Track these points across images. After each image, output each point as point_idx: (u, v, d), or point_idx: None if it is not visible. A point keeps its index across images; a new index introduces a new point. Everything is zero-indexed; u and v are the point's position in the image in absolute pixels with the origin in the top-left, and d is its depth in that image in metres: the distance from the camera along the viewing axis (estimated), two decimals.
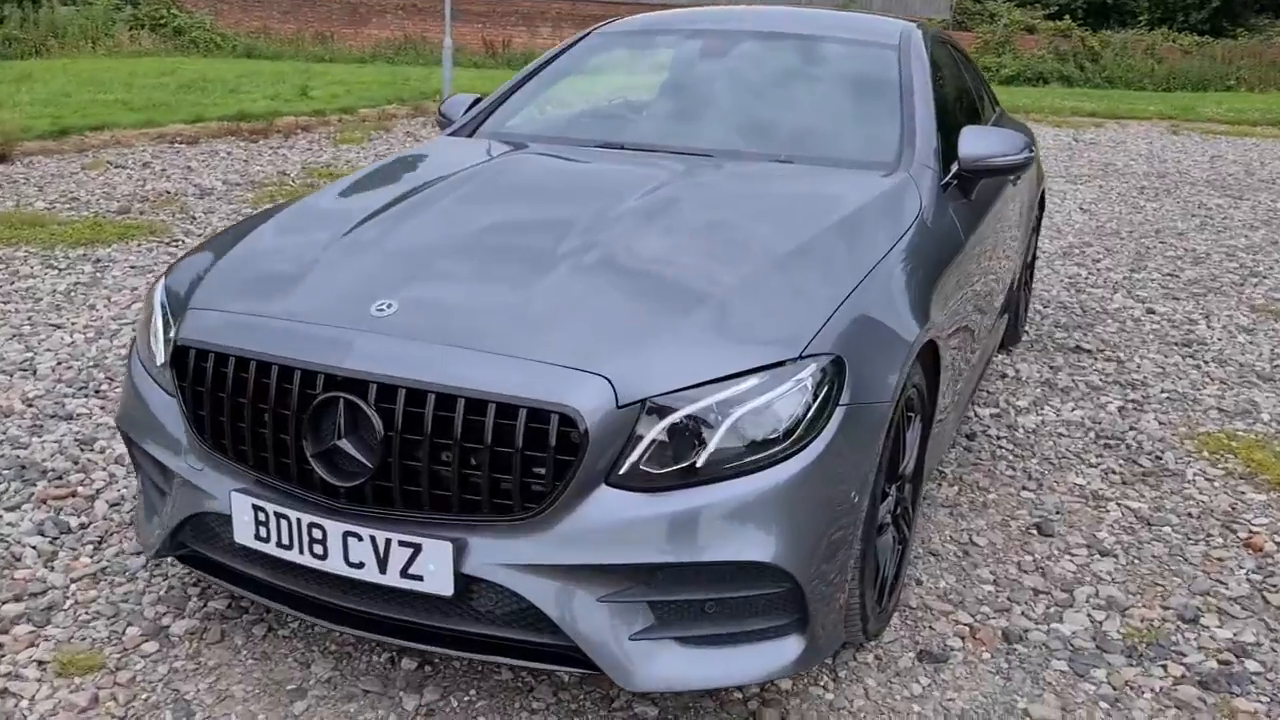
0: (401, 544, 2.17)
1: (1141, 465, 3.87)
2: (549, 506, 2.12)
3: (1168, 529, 3.41)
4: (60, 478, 3.42)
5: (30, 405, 3.94)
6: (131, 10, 27.57)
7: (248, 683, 2.49)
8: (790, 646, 2.25)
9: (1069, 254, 7.25)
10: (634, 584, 2.16)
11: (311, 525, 2.23)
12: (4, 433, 3.71)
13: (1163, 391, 4.64)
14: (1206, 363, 5.06)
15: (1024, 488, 3.65)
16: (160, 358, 2.54)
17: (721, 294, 2.39)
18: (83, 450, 3.59)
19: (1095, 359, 5.07)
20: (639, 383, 2.14)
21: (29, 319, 4.88)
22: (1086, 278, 6.63)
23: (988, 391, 4.57)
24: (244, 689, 2.47)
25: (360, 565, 2.21)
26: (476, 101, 3.96)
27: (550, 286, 2.38)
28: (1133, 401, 4.51)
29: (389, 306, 2.31)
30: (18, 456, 3.53)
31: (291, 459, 2.26)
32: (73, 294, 5.29)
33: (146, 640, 2.63)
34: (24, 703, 2.40)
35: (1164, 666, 2.67)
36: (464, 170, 3.18)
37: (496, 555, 2.16)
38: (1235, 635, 2.82)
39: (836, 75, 3.69)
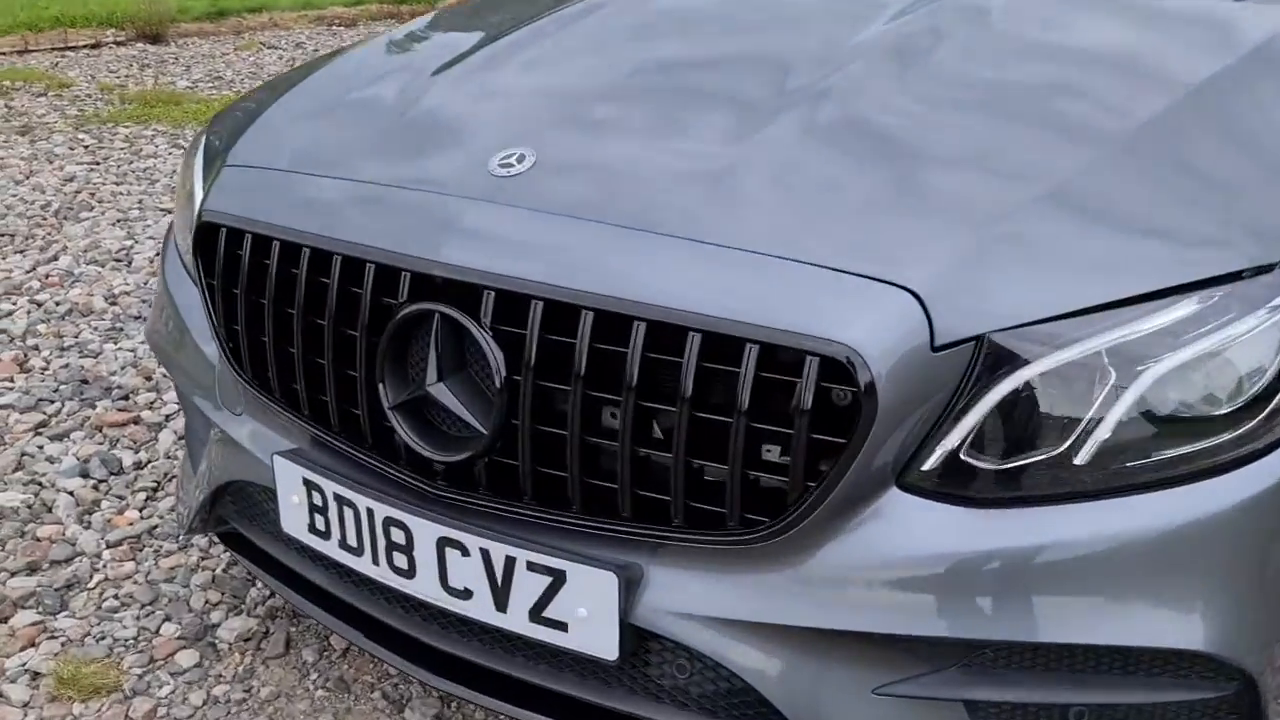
0: (532, 567, 1.26)
1: None
2: (796, 522, 1.16)
3: None
4: (126, 398, 2.67)
5: (114, 303, 3.22)
6: None
7: None
8: None
9: None
10: (941, 667, 1.20)
11: (389, 522, 1.35)
12: (75, 336, 3.00)
13: None
14: None
15: None
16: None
17: (1094, 163, 1.33)
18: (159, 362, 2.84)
19: None
20: (971, 305, 1.14)
21: (139, 202, 4.19)
22: None
23: None
24: None
25: (467, 594, 1.32)
26: None
27: (782, 143, 1.38)
28: None
29: (520, 160, 1.37)
30: (82, 368, 2.81)
31: (363, 410, 1.37)
32: None
33: (184, 647, 1.84)
34: None
35: None
36: None
37: (694, 600, 1.23)
38: None
39: None
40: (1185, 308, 1.15)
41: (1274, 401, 1.14)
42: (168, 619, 1.91)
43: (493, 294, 1.24)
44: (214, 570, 2.03)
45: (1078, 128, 1.42)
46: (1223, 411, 1.14)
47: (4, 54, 7.20)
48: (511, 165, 1.36)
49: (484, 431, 1.27)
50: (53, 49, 7.50)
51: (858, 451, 1.12)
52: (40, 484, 2.31)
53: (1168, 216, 1.27)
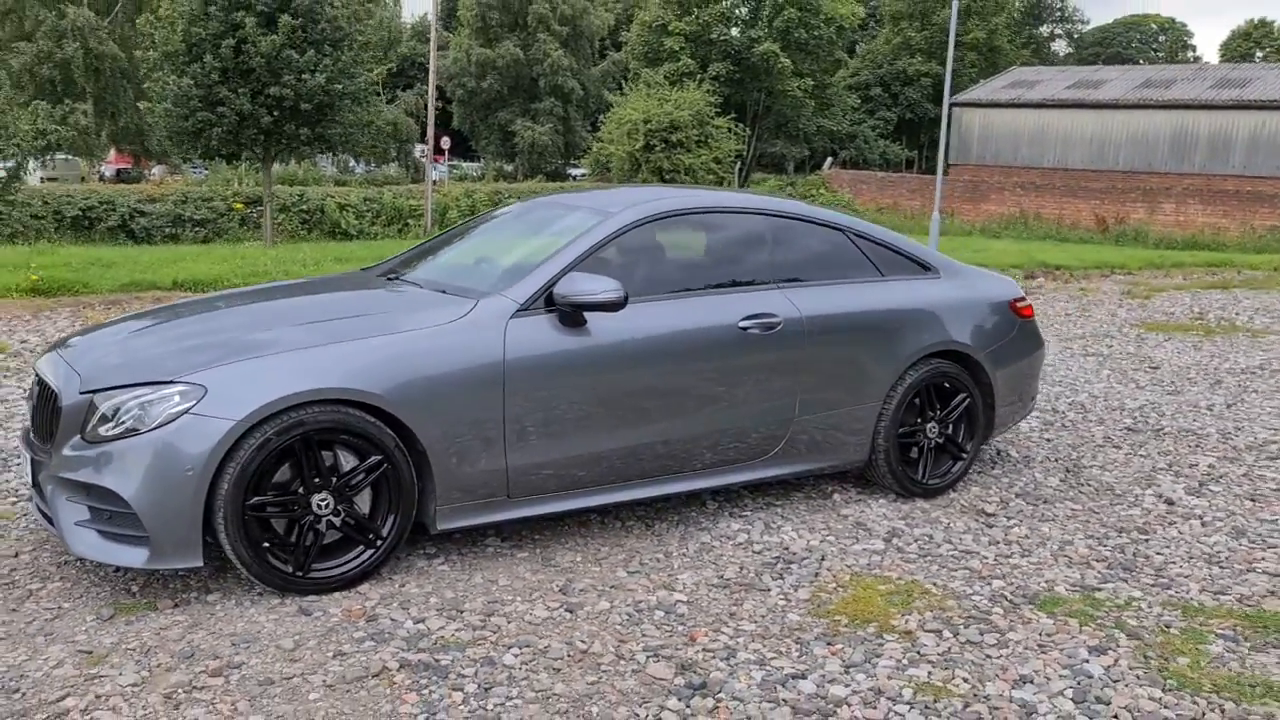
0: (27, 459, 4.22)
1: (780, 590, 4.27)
2: (53, 443, 4.01)
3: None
4: None
5: None
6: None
7: None
8: (141, 552, 3.81)
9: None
10: (78, 492, 3.93)
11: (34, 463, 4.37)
12: None
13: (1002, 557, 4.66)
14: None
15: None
16: None
17: (198, 346, 4.08)
18: None
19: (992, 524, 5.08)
20: (93, 381, 3.96)
21: None
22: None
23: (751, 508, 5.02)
24: None
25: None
26: None
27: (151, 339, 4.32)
28: (916, 543, 4.66)
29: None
30: None
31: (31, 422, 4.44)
32: None
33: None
34: None
35: None
36: (283, 284, 5.14)
37: (45, 469, 4.08)
38: None
39: (552, 233, 4.85)
40: (144, 389, 3.85)
41: (158, 420, 3.78)
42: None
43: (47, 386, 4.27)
44: None
45: (233, 333, 4.15)
46: (144, 420, 3.80)
47: None
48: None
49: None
50: None
51: (60, 422, 3.95)
52: None
53: (172, 361, 3.95)
